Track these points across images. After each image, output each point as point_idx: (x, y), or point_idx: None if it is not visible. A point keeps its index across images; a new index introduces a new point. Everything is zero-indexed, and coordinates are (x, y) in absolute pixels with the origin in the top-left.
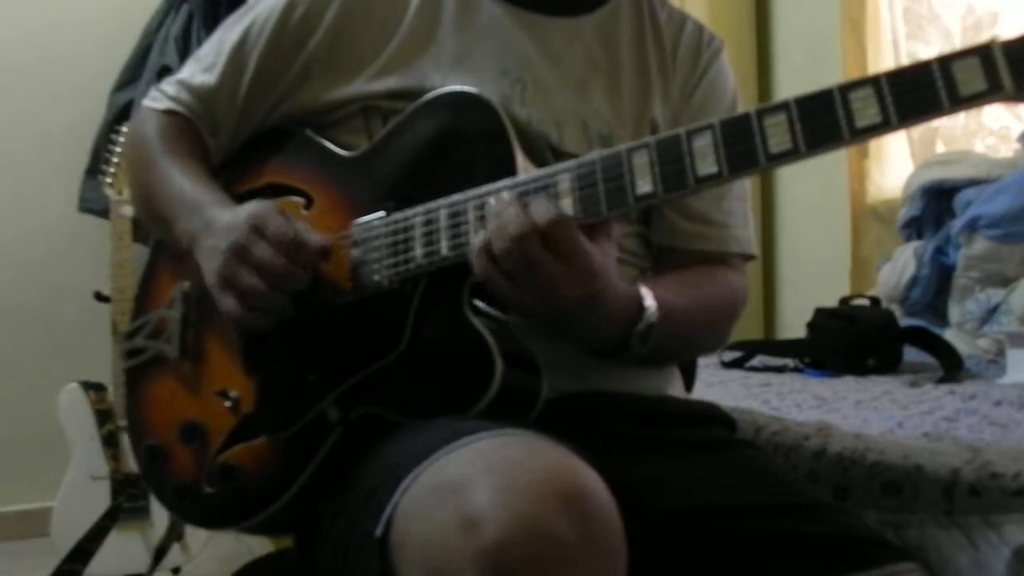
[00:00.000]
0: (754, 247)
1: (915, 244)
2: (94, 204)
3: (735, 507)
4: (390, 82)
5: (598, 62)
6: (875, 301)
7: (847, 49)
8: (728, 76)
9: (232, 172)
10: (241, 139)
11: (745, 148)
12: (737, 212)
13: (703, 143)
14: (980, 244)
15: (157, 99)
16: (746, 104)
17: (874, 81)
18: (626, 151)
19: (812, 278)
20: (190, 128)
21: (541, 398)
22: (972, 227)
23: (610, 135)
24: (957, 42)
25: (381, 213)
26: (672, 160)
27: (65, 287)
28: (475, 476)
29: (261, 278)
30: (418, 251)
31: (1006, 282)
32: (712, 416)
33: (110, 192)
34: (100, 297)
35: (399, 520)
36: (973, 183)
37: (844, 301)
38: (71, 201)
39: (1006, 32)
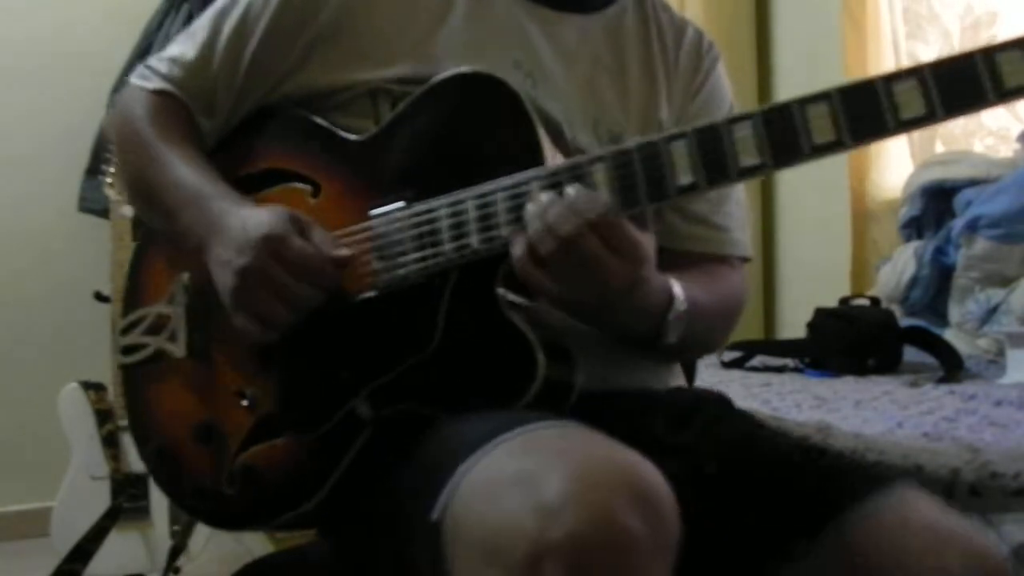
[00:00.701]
0: (751, 250)
1: (915, 244)
2: (94, 204)
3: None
4: (400, 68)
5: (604, 62)
6: (875, 301)
7: (847, 48)
8: (726, 85)
9: (228, 156)
10: (236, 120)
11: (788, 139)
12: (735, 215)
13: (744, 133)
14: (980, 244)
15: (147, 77)
16: (745, 105)
17: (917, 72)
18: (663, 140)
19: (812, 278)
20: (181, 110)
21: (576, 389)
22: (972, 227)
23: (621, 133)
24: (956, 42)
25: (400, 204)
26: (713, 150)
27: (65, 287)
28: (545, 466)
29: (278, 301)
30: (447, 245)
31: (1006, 282)
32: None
33: (110, 192)
34: (100, 297)
35: (457, 505)
36: (973, 183)
37: (844, 301)
38: (71, 201)
39: (1004, 32)
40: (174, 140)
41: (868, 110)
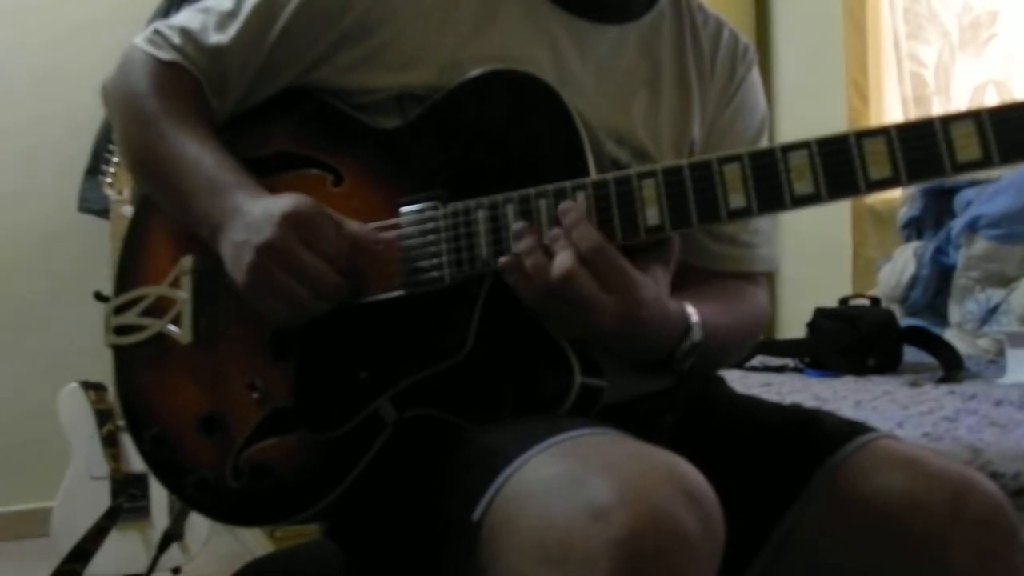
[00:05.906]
0: (776, 263)
1: (915, 244)
2: (94, 204)
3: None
4: (430, 76)
5: (640, 75)
6: (875, 301)
7: (848, 48)
8: (760, 93)
9: (237, 133)
10: (248, 105)
11: (844, 171)
12: (764, 231)
13: (799, 162)
14: (980, 244)
15: (158, 45)
16: None
17: (976, 115)
18: (717, 161)
19: (812, 278)
20: (192, 85)
21: (602, 398)
22: (972, 227)
23: (645, 151)
24: (956, 41)
25: (433, 202)
26: (767, 176)
27: (65, 287)
28: (593, 467)
29: (297, 279)
30: (484, 249)
31: (1006, 282)
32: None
33: (110, 192)
34: (100, 297)
35: (502, 506)
36: (973, 183)
37: (844, 301)
38: (71, 201)
39: (1004, 31)
40: (185, 119)
41: (926, 150)
